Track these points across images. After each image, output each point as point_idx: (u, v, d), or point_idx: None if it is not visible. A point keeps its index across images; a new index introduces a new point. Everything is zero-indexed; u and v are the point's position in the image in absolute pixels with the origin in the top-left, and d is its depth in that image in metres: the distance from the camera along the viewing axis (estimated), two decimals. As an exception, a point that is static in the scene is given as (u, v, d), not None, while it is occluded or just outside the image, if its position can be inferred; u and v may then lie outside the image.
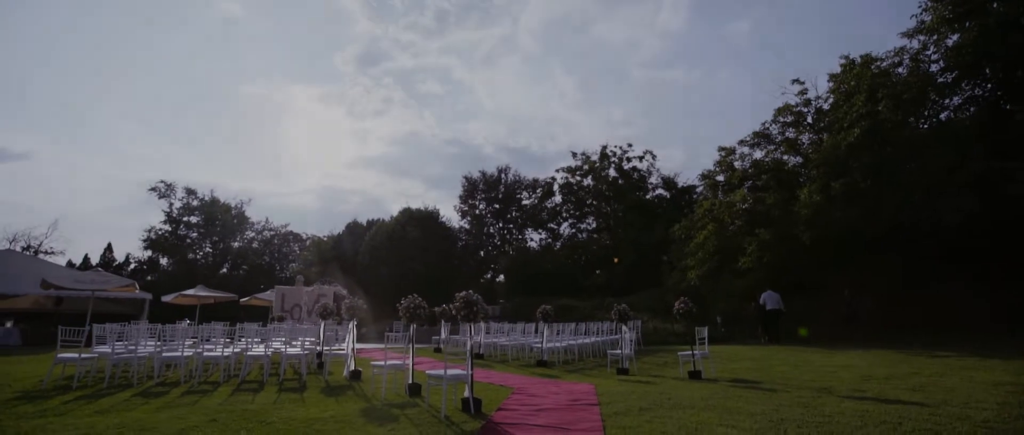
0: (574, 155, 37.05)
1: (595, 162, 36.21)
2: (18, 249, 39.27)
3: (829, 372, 8.09)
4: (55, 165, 62.97)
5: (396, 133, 78.42)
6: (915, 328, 14.27)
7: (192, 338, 8.74)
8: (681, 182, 35.38)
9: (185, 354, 7.80)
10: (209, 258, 46.58)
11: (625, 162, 35.93)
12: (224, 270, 46.03)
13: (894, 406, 5.32)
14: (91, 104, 67.84)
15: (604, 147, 36.31)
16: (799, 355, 10.77)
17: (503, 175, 42.39)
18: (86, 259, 42.93)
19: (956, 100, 15.98)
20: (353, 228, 43.93)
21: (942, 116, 16.34)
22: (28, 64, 64.78)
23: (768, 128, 19.42)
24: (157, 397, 6.44)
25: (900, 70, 15.90)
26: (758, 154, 19.57)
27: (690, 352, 8.51)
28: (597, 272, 35.82)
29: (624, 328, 9.99)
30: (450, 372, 5.78)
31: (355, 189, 75.66)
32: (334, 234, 45.67)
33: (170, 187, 45.38)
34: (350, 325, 8.87)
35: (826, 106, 18.07)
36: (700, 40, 79.51)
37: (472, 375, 5.79)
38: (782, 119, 19.05)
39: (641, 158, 35.95)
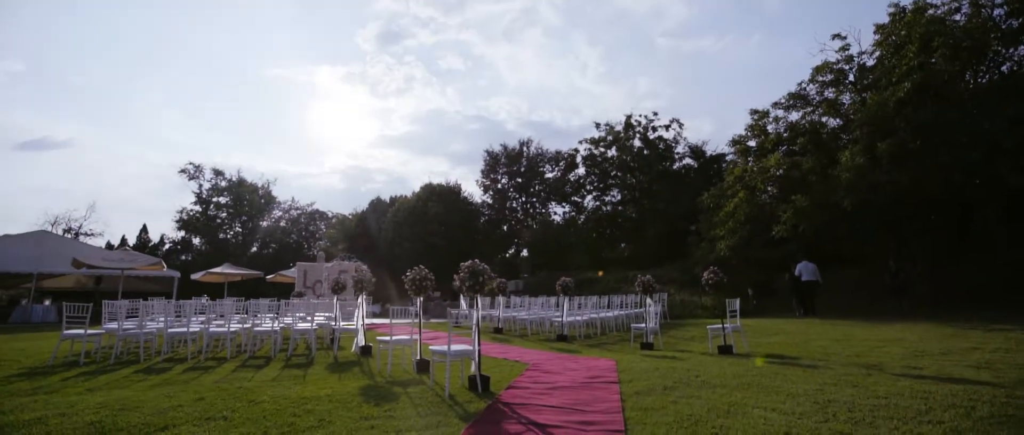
0: (597, 126, 35.87)
1: (619, 132, 34.99)
2: (59, 231, 40.85)
3: (875, 347, 7.36)
4: (94, 152, 65.01)
5: (419, 111, 78.00)
6: (969, 300, 13.21)
7: (201, 314, 8.57)
8: (710, 151, 33.98)
9: (192, 330, 7.60)
10: (239, 237, 47.56)
11: (650, 132, 34.61)
12: (254, 249, 46.96)
13: (960, 386, 4.64)
14: (127, 92, 69.47)
15: (628, 117, 35.01)
16: (839, 329, 10.00)
17: (525, 148, 41.58)
18: (123, 240, 44.40)
19: (1022, 50, 14.40)
20: (376, 205, 44.08)
21: (1004, 68, 14.80)
22: (68, 55, 66.50)
23: (805, 88, 18.05)
24: (158, 374, 6.23)
25: (957, 17, 14.39)
26: (794, 116, 18.24)
27: (720, 326, 7.89)
28: (622, 245, 35.03)
29: (649, 301, 9.40)
30: (455, 347, 5.35)
31: (380, 168, 75.97)
32: (358, 212, 45.95)
33: (199, 168, 46.23)
34: (359, 299, 8.54)
35: (871, 62, 16.61)
36: (729, 6, 75.73)
37: (479, 351, 5.33)
38: (821, 78, 17.63)
39: (667, 127, 34.56)
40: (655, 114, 34.55)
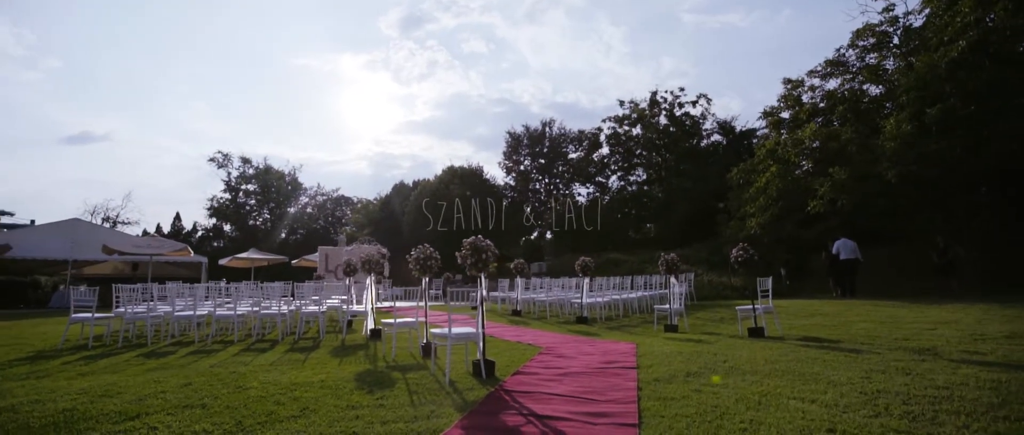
0: (622, 104, 34.76)
1: (644, 110, 33.86)
2: (98, 220, 42.37)
3: (926, 330, 6.66)
4: (131, 145, 67.16)
5: (442, 96, 77.57)
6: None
7: (205, 297, 8.44)
8: (739, 126, 32.60)
9: (199, 313, 7.46)
10: (267, 223, 48.50)
11: (677, 108, 33.38)
12: (282, 235, 47.80)
13: (1036, 374, 4.00)
14: (159, 85, 71.30)
15: (654, 93, 33.83)
16: (882, 310, 9.24)
17: (547, 129, 40.83)
18: (158, 227, 45.74)
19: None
20: (400, 189, 44.14)
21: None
22: (102, 50, 68.44)
23: (844, 54, 16.85)
24: (159, 358, 6.07)
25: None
26: (832, 84, 17.09)
27: (751, 306, 7.30)
28: (648, 226, 34.17)
29: (673, 280, 8.84)
30: (458, 330, 4.96)
31: (405, 154, 76.19)
32: (382, 196, 46.14)
33: (227, 157, 47.14)
34: (368, 280, 8.26)
35: (918, 22, 15.33)
36: (762, -28, 72.12)
37: (483, 333, 4.94)
38: (861, 42, 16.40)
39: (694, 103, 33.26)
40: (681, 90, 33.32)
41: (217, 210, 46.51)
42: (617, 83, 72.85)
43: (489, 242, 5.02)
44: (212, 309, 7.71)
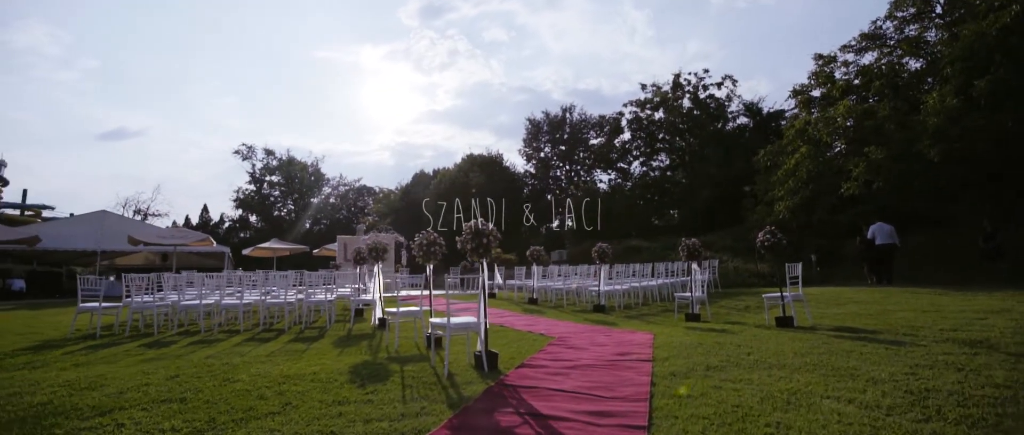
0: (644, 87, 33.72)
1: (667, 93, 32.77)
2: (130, 213, 43.60)
3: (975, 320, 6.07)
4: (164, 139, 68.91)
5: (463, 85, 77.07)
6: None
7: (211, 287, 8.35)
8: (766, 108, 31.35)
9: (205, 303, 7.35)
10: (291, 214, 49.22)
11: (701, 91, 32.24)
12: (307, 225, 48.45)
13: (1114, 370, 3.47)
14: (188, 81, 72.83)
15: (677, 75, 32.67)
16: (923, 298, 8.57)
17: (568, 115, 40.08)
18: (187, 219, 46.85)
19: None
20: (419, 178, 44.17)
21: None
22: (135, 49, 70.17)
23: (881, 27, 15.79)
24: (160, 347, 5.96)
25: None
26: (867, 59, 16.04)
27: (778, 294, 6.80)
28: (672, 212, 33.34)
29: (695, 267, 8.36)
30: (456, 321, 4.66)
31: (427, 144, 76.18)
32: (403, 185, 46.26)
33: (251, 149, 47.88)
34: (375, 268, 8.03)
35: (964, -12, 14.21)
36: (791, -54, 69.06)
37: (485, 323, 4.62)
38: (900, 13, 15.33)
39: (719, 85, 32.04)
40: (706, 72, 32.19)
41: (243, 201, 47.38)
42: (641, 68, 71.15)
43: (491, 226, 4.69)
44: (219, 299, 7.59)
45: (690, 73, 32.55)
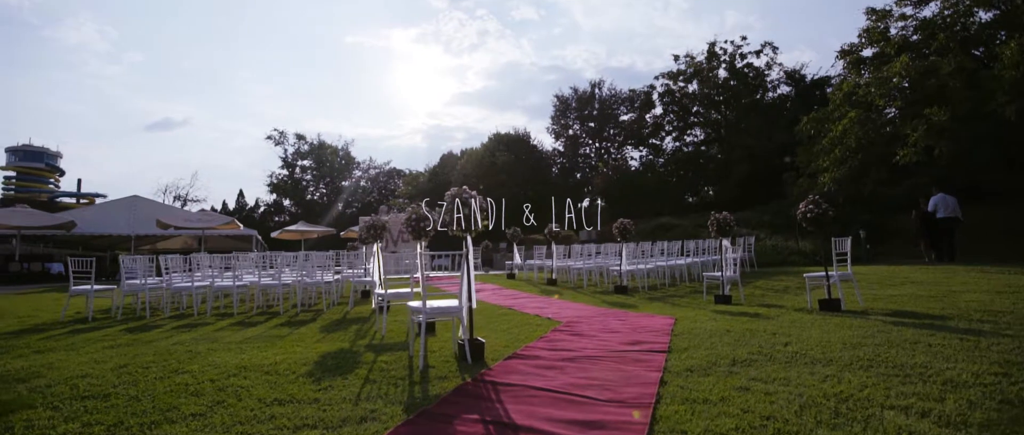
0: (676, 59, 31.88)
1: (701, 63, 30.90)
2: (170, 199, 45.13)
3: (1069, 300, 5.05)
4: (206, 128, 71.13)
5: (494, 66, 76.08)
6: None
7: (217, 269, 8.05)
8: (810, 75, 29.19)
9: (197, 285, 7.03)
10: (324, 198, 49.90)
11: (738, 59, 30.24)
12: (339, 207, 49.05)
13: None
14: (226, 71, 74.72)
15: (711, 45, 30.69)
16: (995, 278, 7.43)
17: (597, 90, 38.66)
18: (223, 204, 48.19)
19: None
20: (447, 159, 43.81)
21: None
22: (176, 42, 72.22)
23: (946, -27, 14.03)
24: (140, 332, 5.62)
25: None
26: (928, 11, 14.30)
27: (822, 273, 5.90)
28: (706, 188, 31.83)
29: (726, 244, 7.49)
30: (434, 304, 4.05)
31: (459, 126, 76.00)
32: (431, 167, 46.05)
33: (283, 134, 48.55)
34: (375, 248, 7.52)
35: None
36: (840, -99, 64.03)
37: (469, 308, 3.99)
38: (969, -43, 13.56)
39: (758, 53, 29.95)
40: (743, 39, 30.10)
41: (276, 186, 48.30)
42: (676, 43, 68.55)
43: (474, 192, 4.03)
44: (211, 281, 7.26)
45: (726, 41, 30.52)
